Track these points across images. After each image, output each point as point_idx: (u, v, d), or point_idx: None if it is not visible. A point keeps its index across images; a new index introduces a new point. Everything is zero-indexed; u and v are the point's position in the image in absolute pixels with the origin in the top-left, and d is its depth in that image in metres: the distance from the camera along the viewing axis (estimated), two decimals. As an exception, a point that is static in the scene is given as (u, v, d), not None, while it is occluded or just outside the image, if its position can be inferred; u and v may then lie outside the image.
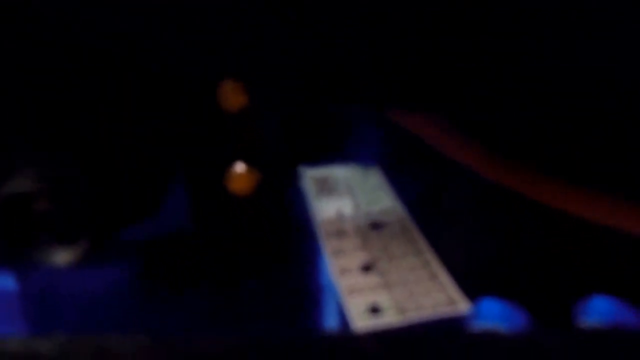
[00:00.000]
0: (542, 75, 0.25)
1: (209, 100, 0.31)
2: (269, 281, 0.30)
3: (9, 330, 0.26)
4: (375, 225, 0.32)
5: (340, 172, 0.36)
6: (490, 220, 0.29)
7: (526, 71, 0.26)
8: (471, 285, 0.27)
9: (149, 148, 0.30)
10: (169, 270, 0.30)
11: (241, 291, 0.29)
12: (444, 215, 0.31)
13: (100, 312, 0.27)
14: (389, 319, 0.26)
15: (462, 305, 0.26)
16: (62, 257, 0.26)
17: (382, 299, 0.27)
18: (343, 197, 0.34)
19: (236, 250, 0.31)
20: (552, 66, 0.25)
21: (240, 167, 0.32)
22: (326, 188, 0.35)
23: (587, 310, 0.25)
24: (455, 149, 0.28)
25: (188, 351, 0.16)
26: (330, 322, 0.28)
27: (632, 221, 0.26)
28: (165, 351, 0.16)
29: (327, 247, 0.30)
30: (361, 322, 0.26)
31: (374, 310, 0.26)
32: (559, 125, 0.26)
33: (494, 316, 0.25)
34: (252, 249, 0.31)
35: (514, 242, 0.28)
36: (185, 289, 0.29)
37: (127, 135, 0.29)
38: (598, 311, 0.24)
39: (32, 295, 0.28)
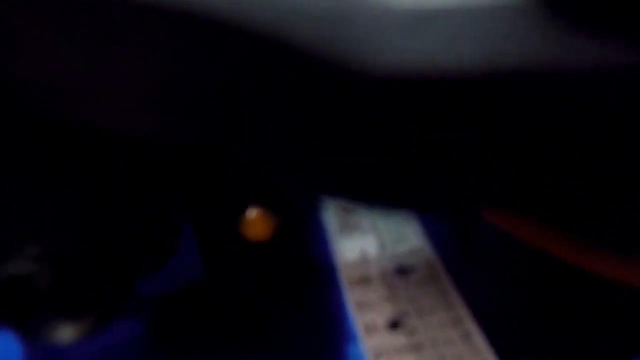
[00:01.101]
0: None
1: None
2: (291, 333, 0.28)
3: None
4: (402, 270, 0.29)
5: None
6: (534, 276, 0.27)
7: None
8: (508, 347, 0.25)
9: (153, 196, 0.28)
10: (182, 329, 0.28)
11: (261, 347, 0.27)
12: (478, 263, 0.29)
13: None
14: (419, 391, 0.24)
15: (498, 376, 0.24)
16: (67, 333, 0.25)
17: (411, 365, 0.25)
18: (367, 235, 0.32)
19: (254, 302, 0.29)
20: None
21: (255, 212, 0.30)
22: (349, 224, 0.33)
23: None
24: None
25: None
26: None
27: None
28: None
29: (351, 299, 0.28)
30: (389, 396, 0.24)
31: (403, 380, 0.24)
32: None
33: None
34: (270, 300, 0.29)
35: (559, 306, 0.26)
36: (201, 349, 0.28)
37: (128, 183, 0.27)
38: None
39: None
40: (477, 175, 0.19)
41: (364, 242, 0.31)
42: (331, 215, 0.33)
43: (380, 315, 0.27)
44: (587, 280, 0.26)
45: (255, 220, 0.30)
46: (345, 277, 0.29)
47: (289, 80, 0.19)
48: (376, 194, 0.22)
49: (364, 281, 0.29)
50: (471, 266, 0.29)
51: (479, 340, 0.25)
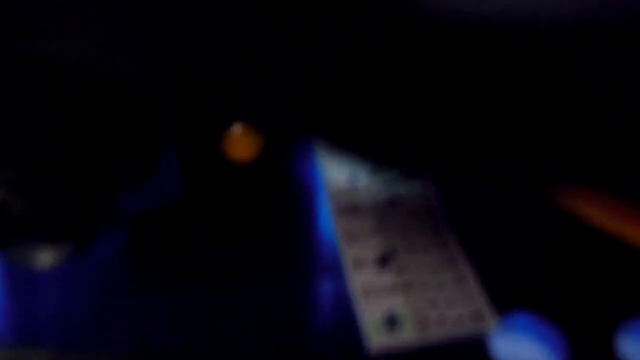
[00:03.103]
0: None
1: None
2: (270, 259, 0.27)
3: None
4: (394, 203, 0.28)
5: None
6: (534, 228, 0.26)
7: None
8: (503, 294, 0.24)
9: (134, 116, 0.25)
10: (160, 246, 0.27)
11: (239, 272, 0.26)
12: (477, 204, 0.27)
13: (93, 300, 0.25)
14: (407, 335, 0.23)
15: (490, 322, 0.23)
16: (47, 257, 0.23)
17: (400, 306, 0.24)
18: (357, 160, 0.30)
19: (233, 225, 0.28)
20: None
21: (240, 130, 0.28)
22: (338, 148, 0.31)
23: (629, 333, 0.22)
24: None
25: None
26: (340, 309, 0.25)
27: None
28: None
29: (340, 229, 0.27)
30: (377, 339, 0.23)
31: (391, 322, 0.23)
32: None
33: (525, 333, 0.22)
34: (252, 224, 0.28)
35: (559, 255, 0.25)
36: (178, 268, 0.26)
37: (105, 109, 0.25)
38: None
39: (17, 290, 0.25)
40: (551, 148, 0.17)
41: (353, 169, 0.30)
42: (319, 138, 0.31)
43: (370, 249, 0.26)
44: (593, 236, 0.25)
45: (240, 138, 0.28)
46: (333, 205, 0.28)
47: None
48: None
49: (353, 210, 0.28)
50: (470, 210, 0.27)
51: (473, 284, 0.24)
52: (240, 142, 0.27)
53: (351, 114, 0.27)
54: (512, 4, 0.19)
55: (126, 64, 0.23)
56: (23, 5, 0.21)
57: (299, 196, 0.28)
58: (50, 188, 0.22)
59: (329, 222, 0.27)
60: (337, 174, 0.29)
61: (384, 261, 0.26)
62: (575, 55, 0.20)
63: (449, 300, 0.24)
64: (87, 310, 0.24)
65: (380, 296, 0.24)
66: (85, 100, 0.22)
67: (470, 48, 0.20)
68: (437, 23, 0.19)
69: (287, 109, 0.28)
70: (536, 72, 0.21)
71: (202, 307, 0.24)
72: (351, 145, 0.28)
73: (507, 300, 0.23)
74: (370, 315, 0.24)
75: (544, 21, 0.18)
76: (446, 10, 0.18)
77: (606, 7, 0.17)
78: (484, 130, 0.23)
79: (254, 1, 0.21)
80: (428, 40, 0.19)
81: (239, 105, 0.27)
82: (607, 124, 0.21)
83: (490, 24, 0.18)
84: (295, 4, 0.20)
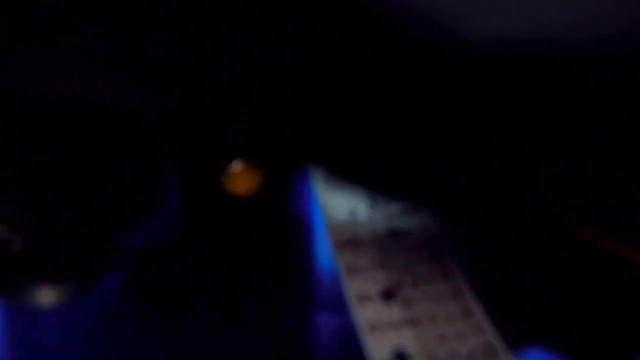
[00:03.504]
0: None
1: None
2: (271, 296, 0.26)
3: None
4: (396, 234, 0.27)
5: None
6: (544, 257, 0.25)
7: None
8: (513, 327, 0.23)
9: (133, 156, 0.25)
10: (161, 285, 0.26)
11: (240, 308, 0.25)
12: (481, 233, 0.27)
13: (94, 339, 0.24)
14: (419, 371, 0.22)
15: (503, 357, 0.22)
16: (47, 296, 0.22)
17: (409, 341, 0.23)
18: (357, 190, 0.29)
19: (233, 260, 0.27)
20: None
21: (239, 165, 0.27)
22: (337, 180, 0.30)
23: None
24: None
25: None
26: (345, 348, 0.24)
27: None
28: None
29: (341, 262, 0.26)
30: (386, 376, 0.22)
31: (400, 358, 0.22)
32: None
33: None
34: (252, 259, 0.27)
35: (572, 286, 0.24)
36: (180, 305, 0.25)
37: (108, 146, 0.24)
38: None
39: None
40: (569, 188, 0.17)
41: (352, 200, 0.29)
42: (317, 170, 0.30)
43: (373, 282, 0.25)
44: (603, 263, 0.24)
45: (240, 174, 0.27)
46: (333, 238, 0.27)
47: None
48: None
49: (355, 243, 0.27)
50: (470, 232, 0.27)
51: (482, 316, 0.24)
52: (240, 177, 0.27)
53: (350, 138, 0.27)
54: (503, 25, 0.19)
55: (123, 95, 0.22)
56: (8, 39, 0.21)
57: (298, 230, 0.28)
58: (51, 225, 0.21)
59: (329, 255, 0.27)
60: (336, 207, 0.29)
61: (389, 295, 0.25)
62: (579, 61, 0.20)
63: (458, 334, 0.23)
64: (88, 349, 0.23)
65: (387, 331, 0.23)
66: (86, 136, 0.22)
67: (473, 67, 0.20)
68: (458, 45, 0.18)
69: (285, 134, 0.27)
70: (538, 75, 0.21)
71: (203, 346, 0.23)
72: (351, 174, 0.27)
73: (517, 334, 0.23)
74: (379, 352, 0.23)
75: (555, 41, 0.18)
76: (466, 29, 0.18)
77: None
78: (485, 144, 0.23)
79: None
80: (444, 59, 0.19)
81: (238, 140, 0.26)
82: (607, 124, 0.21)
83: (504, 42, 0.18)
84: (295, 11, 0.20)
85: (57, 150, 0.21)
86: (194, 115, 0.26)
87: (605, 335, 0.22)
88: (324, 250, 0.28)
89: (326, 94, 0.26)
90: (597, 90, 0.20)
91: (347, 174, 0.29)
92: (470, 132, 0.23)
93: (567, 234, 0.26)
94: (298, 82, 0.27)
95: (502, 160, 0.23)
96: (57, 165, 0.21)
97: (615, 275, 0.24)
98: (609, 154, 0.21)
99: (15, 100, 0.20)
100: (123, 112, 0.23)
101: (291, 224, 0.28)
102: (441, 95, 0.23)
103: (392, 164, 0.27)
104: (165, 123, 0.25)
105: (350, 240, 0.27)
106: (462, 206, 0.27)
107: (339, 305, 0.26)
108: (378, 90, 0.24)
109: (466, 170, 0.24)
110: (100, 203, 0.22)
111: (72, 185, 0.21)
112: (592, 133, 0.21)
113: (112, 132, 0.23)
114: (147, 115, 0.24)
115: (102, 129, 0.23)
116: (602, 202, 0.21)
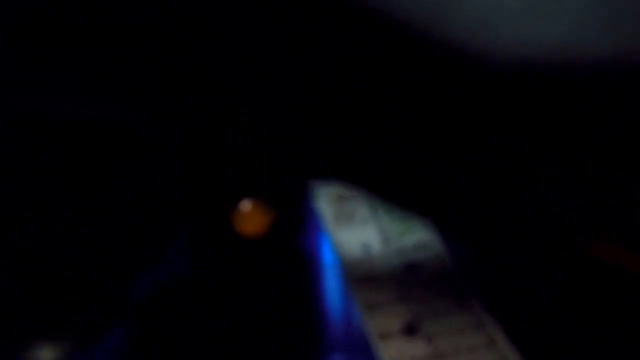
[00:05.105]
0: None
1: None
2: (289, 340, 0.26)
3: None
4: (412, 268, 0.27)
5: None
6: (566, 282, 0.25)
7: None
8: (538, 354, 0.23)
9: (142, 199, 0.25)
10: (169, 329, 0.26)
11: (252, 353, 0.25)
12: (500, 262, 0.27)
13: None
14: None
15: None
16: (44, 356, 0.21)
17: (436, 376, 0.23)
18: (367, 225, 0.30)
19: (243, 302, 0.27)
20: None
21: (249, 205, 0.27)
22: (345, 212, 0.30)
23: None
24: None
25: None
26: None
27: None
28: None
29: (360, 299, 0.26)
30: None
31: (429, 395, 0.22)
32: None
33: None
34: (266, 303, 0.27)
35: (596, 312, 0.24)
36: (188, 349, 0.25)
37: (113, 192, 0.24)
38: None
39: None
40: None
41: (364, 235, 0.29)
42: (326, 205, 0.30)
43: (394, 319, 0.25)
44: (623, 286, 0.24)
45: (251, 214, 0.27)
46: (349, 275, 0.27)
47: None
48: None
49: (371, 280, 0.27)
50: (488, 262, 0.27)
51: (506, 346, 0.24)
52: (250, 217, 0.27)
53: (350, 138, 0.27)
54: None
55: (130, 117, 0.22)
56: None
57: (312, 270, 0.28)
58: (50, 277, 0.21)
59: (347, 294, 0.27)
60: (348, 243, 0.29)
61: (411, 330, 0.25)
62: (579, 61, 0.20)
63: (484, 366, 0.23)
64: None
65: (413, 368, 0.23)
66: (92, 175, 0.22)
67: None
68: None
69: (287, 138, 0.27)
70: (538, 75, 0.21)
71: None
72: (351, 174, 0.27)
73: (541, 358, 0.23)
74: (406, 390, 0.23)
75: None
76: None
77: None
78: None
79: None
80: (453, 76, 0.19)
81: (247, 179, 0.26)
82: (607, 124, 0.21)
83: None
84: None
85: (62, 188, 0.21)
86: (200, 141, 0.26)
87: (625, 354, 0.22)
88: (335, 289, 0.28)
89: (326, 94, 0.26)
90: (597, 90, 0.20)
91: (347, 175, 0.29)
92: (470, 132, 0.23)
93: (580, 249, 0.26)
94: (298, 82, 0.27)
95: (502, 160, 0.23)
96: (61, 203, 0.21)
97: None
98: (609, 154, 0.21)
99: (19, 132, 0.20)
100: (130, 146, 0.23)
101: (301, 263, 0.28)
102: (441, 95, 0.23)
103: (392, 164, 0.27)
104: (173, 157, 0.25)
105: (366, 277, 0.27)
106: (462, 208, 0.27)
107: (352, 346, 0.26)
108: (378, 90, 0.24)
109: (466, 171, 0.24)
110: (106, 246, 0.22)
111: (75, 225, 0.21)
112: (592, 133, 0.21)
113: (119, 171, 0.23)
114: (155, 147, 0.24)
115: (108, 168, 0.23)
116: (602, 202, 0.21)
